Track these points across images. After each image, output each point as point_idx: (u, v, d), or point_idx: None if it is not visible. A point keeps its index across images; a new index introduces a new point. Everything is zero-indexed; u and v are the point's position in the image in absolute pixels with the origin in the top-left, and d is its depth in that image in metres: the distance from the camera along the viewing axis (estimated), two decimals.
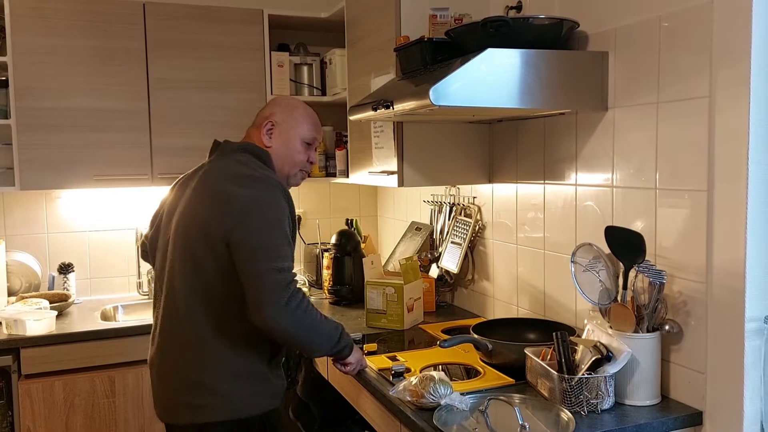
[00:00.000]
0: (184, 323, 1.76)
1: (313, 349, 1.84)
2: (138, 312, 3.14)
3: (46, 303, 2.76)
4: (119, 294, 3.27)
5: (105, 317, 2.94)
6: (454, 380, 1.86)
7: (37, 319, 2.59)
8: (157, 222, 1.93)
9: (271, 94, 3.15)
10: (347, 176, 2.92)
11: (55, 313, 2.70)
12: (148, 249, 2.00)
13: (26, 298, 2.84)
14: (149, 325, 2.71)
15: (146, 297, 3.21)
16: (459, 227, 2.66)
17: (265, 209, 1.70)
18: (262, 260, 1.65)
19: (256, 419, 1.78)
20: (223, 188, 1.74)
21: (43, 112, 2.81)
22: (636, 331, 1.67)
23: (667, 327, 1.67)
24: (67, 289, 3.07)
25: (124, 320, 3.06)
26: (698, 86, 1.60)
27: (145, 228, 3.19)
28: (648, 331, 1.67)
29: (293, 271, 1.71)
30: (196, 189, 1.80)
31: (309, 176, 3.32)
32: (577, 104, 1.89)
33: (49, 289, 3.07)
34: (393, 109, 1.87)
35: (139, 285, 3.24)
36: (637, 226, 1.80)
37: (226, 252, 1.68)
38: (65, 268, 3.08)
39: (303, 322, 1.69)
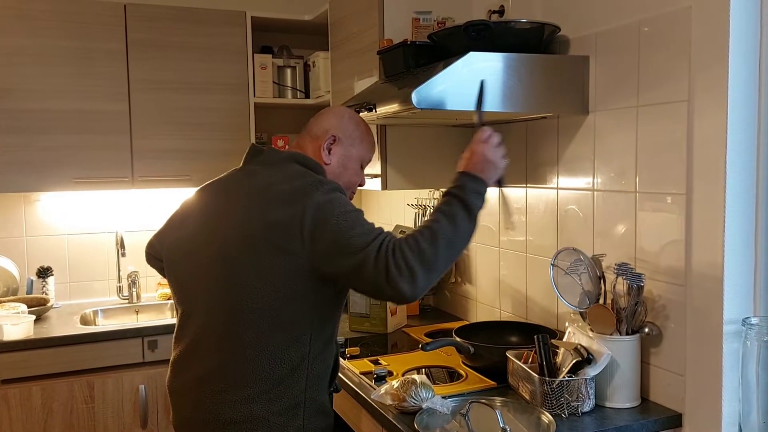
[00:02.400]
0: (236, 346, 1.54)
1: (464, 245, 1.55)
2: (118, 316, 3.10)
3: (24, 307, 2.72)
4: (99, 298, 3.23)
5: (84, 321, 2.90)
6: (437, 383, 1.86)
7: (14, 324, 2.55)
8: (184, 230, 1.70)
9: (254, 96, 3.14)
10: None
11: (33, 317, 2.67)
12: (164, 255, 1.76)
13: (4, 302, 2.80)
14: (130, 330, 2.73)
15: (126, 301, 3.17)
16: None
17: (334, 209, 1.52)
18: (353, 251, 1.46)
19: None
20: (288, 207, 1.52)
21: (23, 114, 2.77)
22: (615, 333, 1.67)
23: (646, 329, 1.68)
24: (46, 293, 3.03)
25: (104, 324, 3.02)
26: (677, 90, 1.61)
27: (127, 230, 3.19)
28: (628, 334, 1.68)
29: (383, 232, 1.50)
30: (251, 204, 1.58)
31: None
32: (559, 108, 1.90)
33: (27, 293, 3.03)
34: (376, 111, 1.87)
35: (120, 289, 3.21)
36: (618, 229, 1.81)
37: (304, 271, 1.50)
38: (44, 272, 3.04)
39: (414, 267, 1.44)
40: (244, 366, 1.53)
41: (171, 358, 1.69)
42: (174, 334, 1.70)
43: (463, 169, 1.58)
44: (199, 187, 1.76)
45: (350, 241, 1.47)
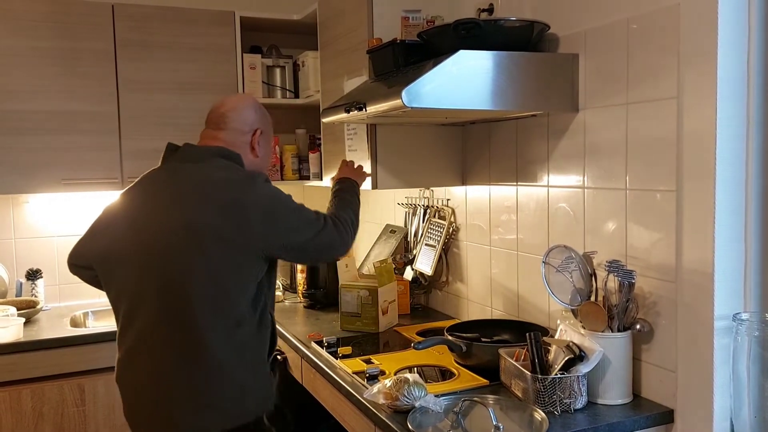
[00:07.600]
0: (192, 337, 1.62)
1: None
2: (109, 318, 3.07)
3: (13, 310, 2.70)
4: (89, 300, 3.20)
5: (74, 324, 2.89)
6: (429, 382, 1.86)
7: (3, 327, 2.53)
8: (116, 234, 1.74)
9: None
10: (321, 179, 2.91)
11: (23, 320, 2.65)
12: (96, 263, 1.79)
13: None
14: None
15: None
16: (433, 229, 2.66)
17: (280, 201, 1.74)
18: (310, 223, 1.77)
19: (261, 419, 1.75)
20: (230, 197, 1.66)
21: (9, 115, 2.75)
22: (607, 330, 1.68)
23: (638, 326, 1.69)
24: (36, 296, 3.01)
25: (94, 326, 3.00)
26: (666, 87, 1.62)
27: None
28: (619, 331, 1.68)
29: (318, 213, 1.83)
30: (187, 198, 1.67)
31: (282, 179, 3.31)
32: (549, 106, 1.90)
33: (16, 296, 3.01)
34: (366, 111, 1.87)
35: None
36: (609, 226, 1.82)
37: (251, 258, 1.66)
38: (33, 275, 3.02)
39: (352, 227, 1.91)
40: (196, 356, 1.62)
41: (117, 357, 1.76)
42: (117, 337, 1.76)
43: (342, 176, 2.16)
44: (121, 192, 1.82)
45: (306, 217, 1.77)
